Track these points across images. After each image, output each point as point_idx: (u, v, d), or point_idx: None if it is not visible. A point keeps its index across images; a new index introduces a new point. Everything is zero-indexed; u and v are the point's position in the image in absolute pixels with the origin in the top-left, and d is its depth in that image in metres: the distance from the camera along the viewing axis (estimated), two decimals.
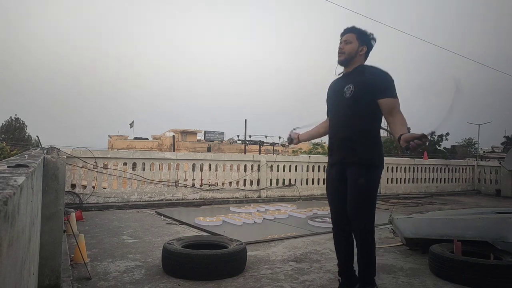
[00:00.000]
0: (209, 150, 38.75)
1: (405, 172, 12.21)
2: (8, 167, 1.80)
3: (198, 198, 8.33)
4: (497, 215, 4.11)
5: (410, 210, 7.86)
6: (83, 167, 7.17)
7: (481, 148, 45.04)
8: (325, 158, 8.89)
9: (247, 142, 33.83)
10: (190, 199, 8.19)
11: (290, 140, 3.25)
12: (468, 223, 3.87)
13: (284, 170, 9.82)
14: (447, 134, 39.13)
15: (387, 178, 11.69)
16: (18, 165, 1.83)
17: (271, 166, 9.56)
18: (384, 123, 2.91)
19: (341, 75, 2.93)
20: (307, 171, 10.22)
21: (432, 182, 12.86)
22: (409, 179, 12.27)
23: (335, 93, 2.93)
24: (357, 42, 2.78)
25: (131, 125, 48.10)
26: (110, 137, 48.74)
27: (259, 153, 26.70)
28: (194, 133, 50.08)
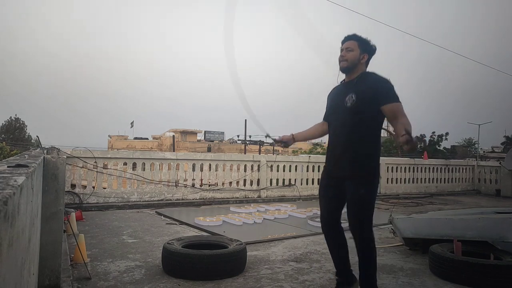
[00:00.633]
0: (209, 150, 38.77)
1: (405, 172, 12.20)
2: (8, 167, 1.80)
3: (198, 198, 8.33)
4: (497, 215, 4.11)
5: (410, 210, 7.84)
6: (83, 167, 7.17)
7: (481, 148, 45.01)
8: (325, 158, 8.89)
9: (247, 142, 33.82)
10: (190, 199, 8.19)
11: (285, 144, 3.20)
12: (468, 223, 3.87)
13: (284, 170, 9.83)
14: (447, 134, 39.10)
15: (387, 178, 11.69)
16: (18, 165, 1.83)
17: (271, 166, 9.56)
18: (384, 123, 2.90)
19: (343, 82, 2.92)
20: (307, 171, 10.22)
21: (432, 182, 12.86)
22: (409, 179, 12.27)
23: (336, 100, 2.92)
24: (358, 50, 2.77)
25: (131, 125, 48.19)
26: (110, 137, 48.82)
27: (259, 153, 26.72)
28: (194, 133, 50.14)
